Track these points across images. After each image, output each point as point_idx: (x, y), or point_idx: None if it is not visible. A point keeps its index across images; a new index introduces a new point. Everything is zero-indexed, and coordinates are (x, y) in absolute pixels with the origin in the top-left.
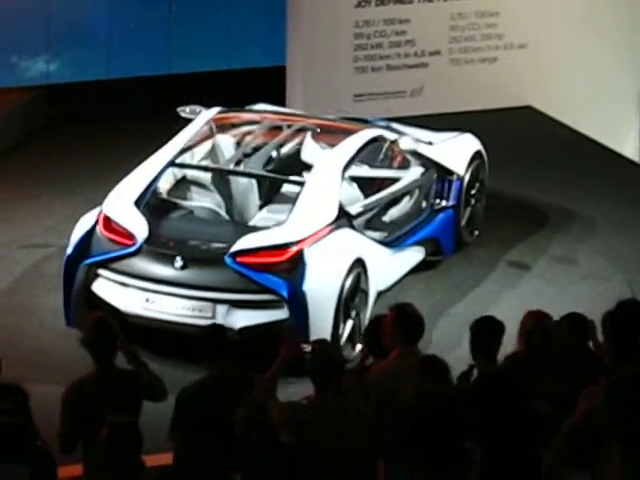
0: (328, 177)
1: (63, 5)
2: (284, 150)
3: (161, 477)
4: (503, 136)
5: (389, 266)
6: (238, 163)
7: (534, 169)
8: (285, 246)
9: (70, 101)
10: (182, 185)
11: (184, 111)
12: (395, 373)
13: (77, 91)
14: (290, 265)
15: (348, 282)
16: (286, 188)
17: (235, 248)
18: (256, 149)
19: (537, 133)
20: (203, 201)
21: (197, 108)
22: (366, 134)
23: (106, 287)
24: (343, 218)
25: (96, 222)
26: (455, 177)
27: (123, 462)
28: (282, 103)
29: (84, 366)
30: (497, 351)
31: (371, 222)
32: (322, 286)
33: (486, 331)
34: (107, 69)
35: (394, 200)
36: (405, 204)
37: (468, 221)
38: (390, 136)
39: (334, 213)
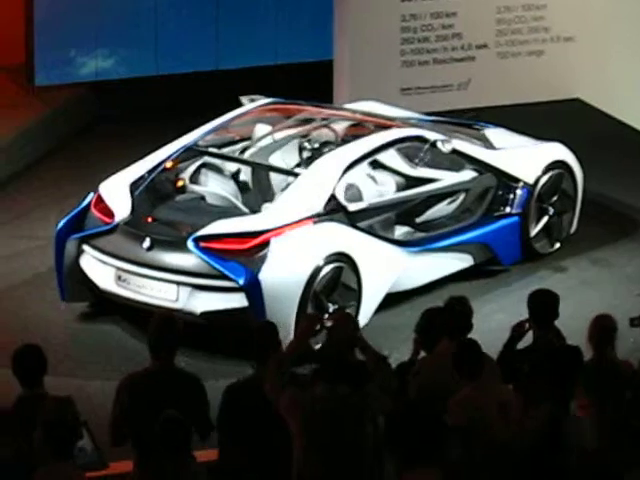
0: (324, 171)
1: (112, 2)
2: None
3: (207, 473)
4: (551, 129)
5: (406, 267)
6: (243, 152)
7: (582, 162)
8: (251, 234)
9: (118, 98)
10: (203, 171)
11: (246, 100)
12: (435, 368)
13: (125, 87)
14: (253, 253)
15: (320, 275)
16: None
17: (200, 233)
18: (281, 140)
19: (585, 126)
20: (218, 188)
21: (258, 97)
22: (392, 134)
23: (88, 262)
24: (338, 213)
25: (91, 200)
26: (521, 185)
27: (173, 458)
28: (329, 98)
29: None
30: (553, 321)
31: (398, 219)
32: (282, 276)
33: (542, 302)
34: (156, 66)
35: (429, 200)
36: (445, 206)
37: (547, 232)
38: (432, 137)
39: (319, 206)
